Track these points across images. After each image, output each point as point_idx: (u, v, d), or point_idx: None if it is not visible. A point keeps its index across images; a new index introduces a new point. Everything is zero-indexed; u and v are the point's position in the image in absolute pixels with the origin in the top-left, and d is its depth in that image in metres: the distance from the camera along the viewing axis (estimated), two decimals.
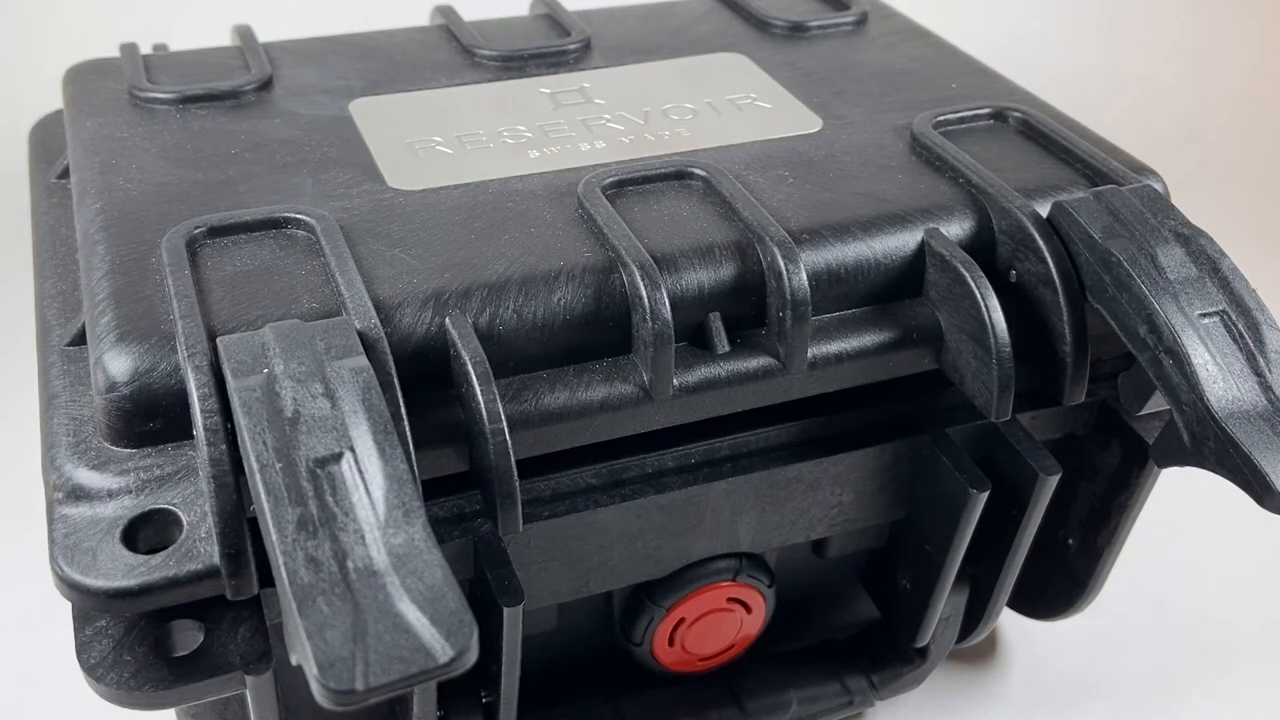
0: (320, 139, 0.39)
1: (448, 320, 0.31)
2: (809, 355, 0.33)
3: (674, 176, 0.36)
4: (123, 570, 0.27)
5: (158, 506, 0.28)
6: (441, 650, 0.22)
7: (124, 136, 0.39)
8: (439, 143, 0.39)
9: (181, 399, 0.29)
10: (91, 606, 0.28)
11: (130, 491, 0.29)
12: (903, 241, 0.35)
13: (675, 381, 0.32)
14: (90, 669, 0.28)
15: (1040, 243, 0.34)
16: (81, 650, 0.29)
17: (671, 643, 0.39)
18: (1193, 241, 0.33)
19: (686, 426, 0.34)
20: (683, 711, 0.42)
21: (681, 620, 0.38)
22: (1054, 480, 0.36)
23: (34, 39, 0.91)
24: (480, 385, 0.29)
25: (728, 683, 0.42)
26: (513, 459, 0.29)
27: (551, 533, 0.33)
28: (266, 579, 0.27)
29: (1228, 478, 0.29)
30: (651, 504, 0.34)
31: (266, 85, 0.43)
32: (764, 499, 0.36)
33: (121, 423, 0.29)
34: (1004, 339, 0.32)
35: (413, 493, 0.24)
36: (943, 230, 0.35)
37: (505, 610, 0.31)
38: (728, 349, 0.33)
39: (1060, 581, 0.43)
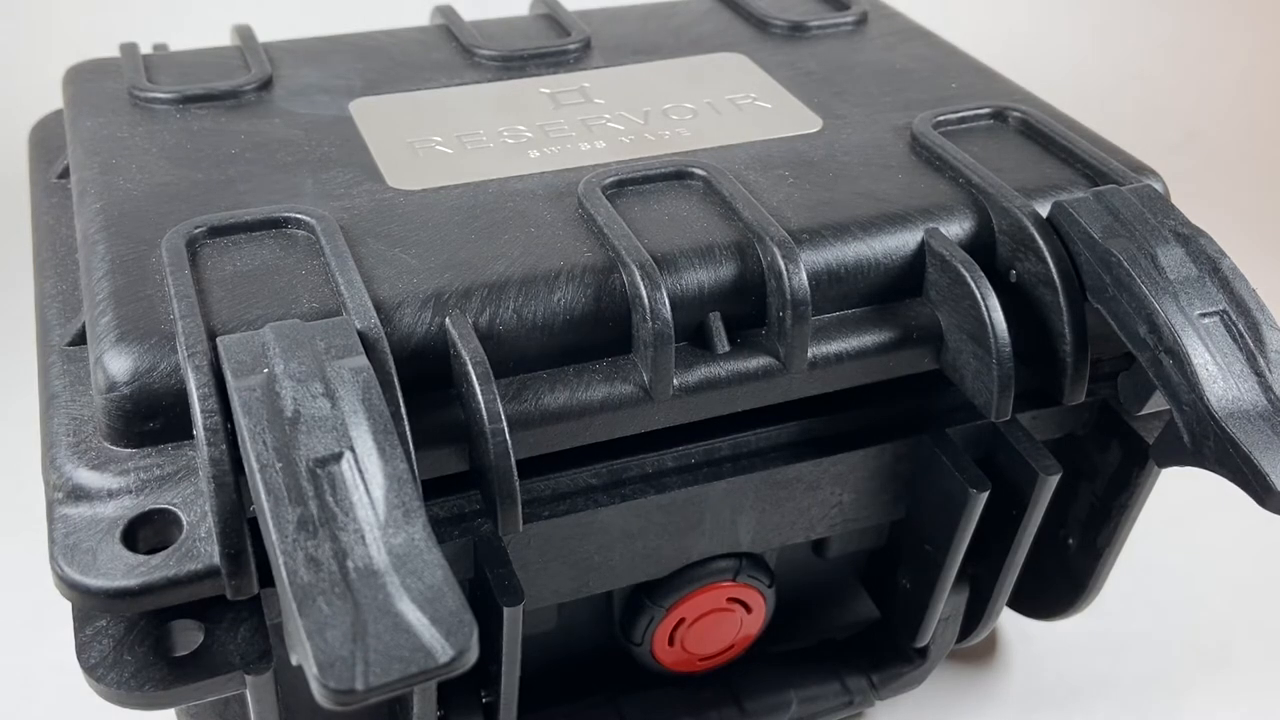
0: (320, 139, 0.39)
1: (448, 320, 0.31)
2: (809, 355, 0.33)
3: (674, 176, 0.36)
4: (123, 570, 0.27)
5: (158, 506, 0.28)
6: (442, 650, 0.22)
7: (124, 136, 0.39)
8: (439, 142, 0.39)
9: (181, 399, 0.29)
10: (91, 606, 0.27)
11: (130, 491, 0.29)
12: (903, 241, 0.35)
13: (675, 381, 0.32)
14: (90, 669, 0.28)
15: (1040, 243, 0.34)
16: (81, 650, 0.29)
17: (671, 643, 0.39)
18: (1193, 241, 0.33)
19: (686, 426, 0.34)
20: (683, 711, 0.42)
21: (681, 620, 0.38)
22: (1054, 480, 0.36)
23: (34, 39, 0.91)
24: (480, 385, 0.29)
25: (728, 683, 0.42)
26: (513, 459, 0.29)
27: (551, 533, 0.33)
28: (266, 579, 0.27)
29: (1228, 478, 0.29)
30: (651, 504, 0.34)
31: (266, 85, 0.43)
32: (764, 499, 0.36)
33: (121, 422, 0.29)
34: (1004, 339, 0.32)
35: (413, 493, 0.24)
36: (943, 230, 0.35)
37: (505, 610, 0.31)
38: (728, 349, 0.33)
39: (1060, 581, 0.43)
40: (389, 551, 0.23)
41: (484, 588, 0.32)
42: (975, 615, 0.43)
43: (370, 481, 0.25)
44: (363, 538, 0.24)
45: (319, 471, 0.25)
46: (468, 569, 0.32)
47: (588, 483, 0.34)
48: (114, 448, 0.30)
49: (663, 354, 0.31)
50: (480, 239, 0.34)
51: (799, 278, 0.32)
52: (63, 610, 0.30)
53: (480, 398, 0.29)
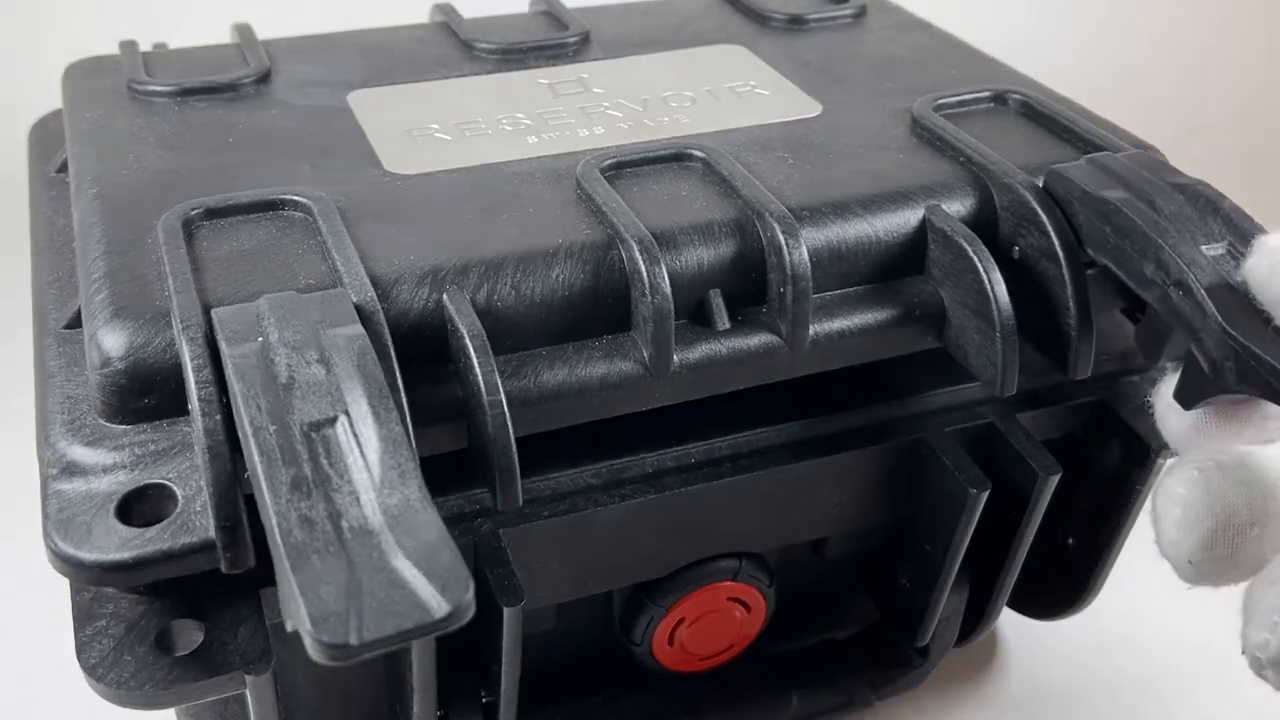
0: (318, 128, 0.39)
1: (445, 296, 0.30)
2: (811, 332, 0.33)
3: (673, 158, 0.36)
4: (117, 543, 0.27)
5: (153, 481, 0.28)
6: (438, 605, 0.21)
7: (121, 127, 0.39)
8: (437, 130, 0.39)
9: (176, 373, 0.29)
10: (85, 581, 0.27)
11: (125, 466, 0.29)
12: (904, 218, 0.34)
13: (676, 358, 0.31)
14: (90, 669, 0.28)
15: (1042, 216, 0.33)
16: (81, 650, 0.29)
17: (671, 642, 0.39)
18: (1190, 189, 0.32)
19: (686, 426, 0.34)
20: (683, 711, 0.42)
21: (681, 620, 0.38)
22: (1054, 480, 0.36)
23: (34, 40, 0.91)
24: (478, 357, 0.29)
25: (728, 683, 0.42)
26: (511, 431, 0.28)
27: (551, 533, 0.33)
28: (262, 553, 0.26)
29: (1254, 393, 0.29)
30: (651, 504, 0.34)
31: (265, 78, 0.43)
32: (764, 499, 0.36)
33: (116, 398, 0.29)
34: (1007, 312, 0.32)
35: (408, 454, 0.24)
36: (944, 207, 0.35)
37: (505, 610, 0.31)
38: (728, 326, 0.32)
39: (1060, 581, 0.43)
40: (384, 511, 0.23)
41: (484, 588, 0.32)
42: (975, 615, 0.43)
43: (365, 444, 0.24)
44: (357, 499, 0.23)
45: (313, 435, 0.24)
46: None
47: (588, 483, 0.34)
48: (109, 424, 0.29)
49: (662, 329, 0.31)
50: (477, 219, 0.33)
51: (799, 252, 0.32)
52: (63, 610, 0.30)
53: (478, 370, 0.28)
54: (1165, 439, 0.32)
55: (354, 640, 0.21)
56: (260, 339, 0.27)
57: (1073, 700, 0.48)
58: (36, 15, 0.93)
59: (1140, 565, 0.52)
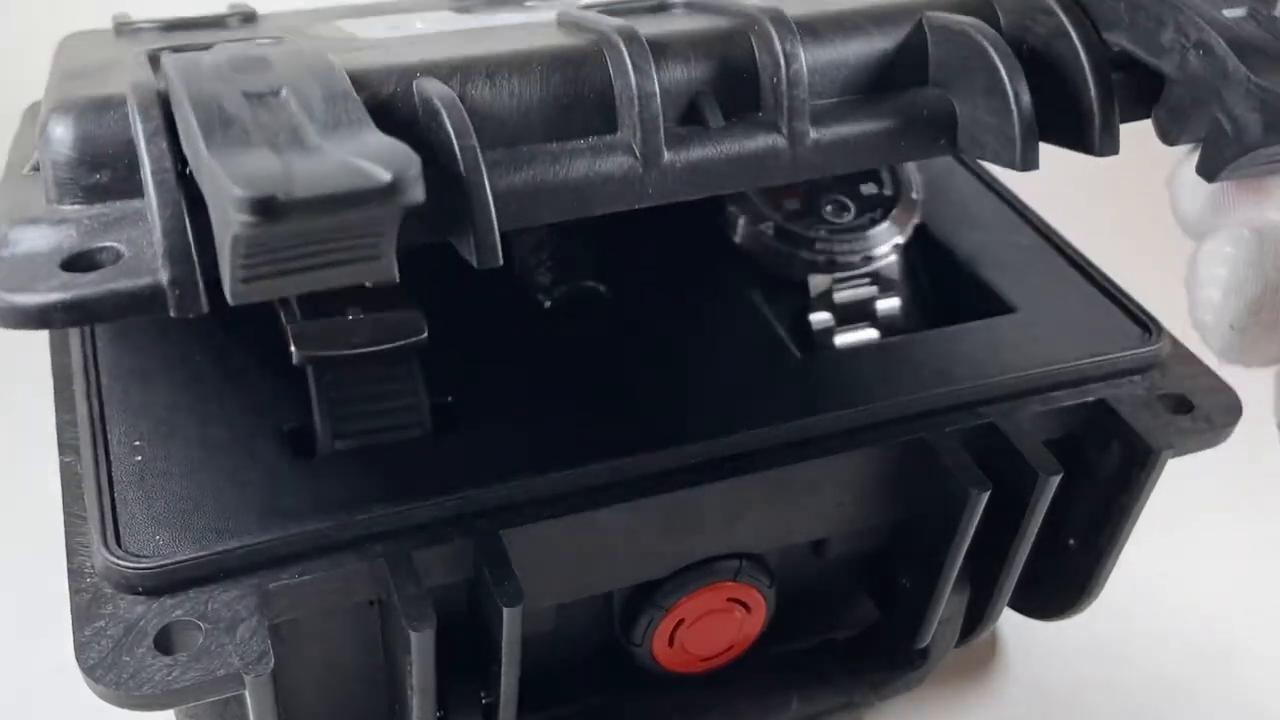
0: (300, 36, 0.39)
1: (415, 84, 0.29)
2: (811, 131, 0.31)
3: (656, 8, 0.36)
4: (58, 286, 0.25)
5: (103, 244, 0.27)
6: (380, 174, 0.20)
7: (102, 46, 0.39)
8: (420, 25, 0.40)
9: (130, 150, 0.27)
10: (24, 325, 0.26)
11: (73, 235, 0.27)
12: (902, 27, 0.33)
13: (667, 152, 0.30)
14: (89, 669, 0.28)
15: None
16: (81, 650, 0.29)
17: (671, 643, 0.39)
18: None
19: (686, 426, 0.34)
20: (682, 712, 0.42)
21: (681, 620, 0.38)
22: (1054, 480, 0.36)
23: (32, 42, 0.91)
24: (447, 109, 0.27)
25: (728, 683, 0.42)
26: (485, 176, 0.27)
27: (551, 533, 0.33)
28: (216, 298, 0.25)
29: None
30: (651, 504, 0.34)
31: (250, 18, 0.43)
32: (764, 499, 0.36)
33: (67, 174, 0.28)
34: (1020, 82, 0.30)
35: (357, 104, 0.23)
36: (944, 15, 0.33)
37: (505, 611, 0.31)
38: (722, 124, 0.31)
39: (1060, 581, 0.43)
40: (325, 137, 0.22)
41: (484, 588, 0.32)
42: (975, 615, 0.43)
43: (310, 100, 0.23)
44: (297, 132, 0.22)
45: (254, 99, 0.23)
46: (468, 569, 0.32)
47: (588, 483, 0.34)
48: (60, 206, 0.28)
49: (648, 111, 0.29)
50: (453, 44, 0.33)
51: (791, 42, 0.31)
52: (62, 610, 0.30)
53: (447, 121, 0.27)
54: (1181, 221, 0.30)
55: (282, 195, 0.19)
56: (210, 58, 0.26)
57: (1073, 700, 0.48)
58: (37, 18, 0.93)
59: (1141, 565, 0.52)
